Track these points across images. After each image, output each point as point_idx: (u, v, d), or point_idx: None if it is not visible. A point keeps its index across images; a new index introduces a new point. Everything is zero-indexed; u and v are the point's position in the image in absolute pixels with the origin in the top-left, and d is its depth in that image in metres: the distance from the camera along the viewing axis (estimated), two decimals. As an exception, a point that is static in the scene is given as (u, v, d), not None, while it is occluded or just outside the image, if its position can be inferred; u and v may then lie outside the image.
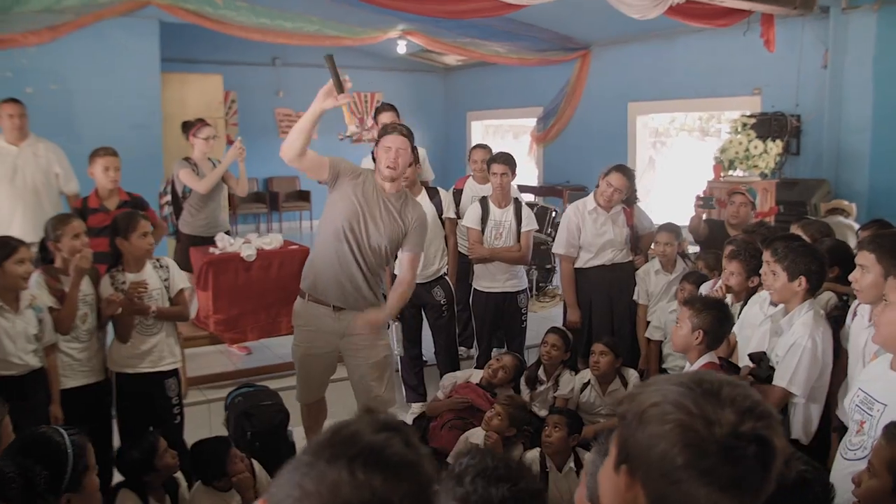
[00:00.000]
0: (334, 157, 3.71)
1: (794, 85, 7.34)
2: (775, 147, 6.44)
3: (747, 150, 6.39)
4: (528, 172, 10.86)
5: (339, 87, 3.35)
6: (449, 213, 5.24)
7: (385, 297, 4.01)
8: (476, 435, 3.91)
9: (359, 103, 11.95)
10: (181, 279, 4.05)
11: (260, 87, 11.53)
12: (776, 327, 3.25)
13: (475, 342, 5.41)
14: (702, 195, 5.16)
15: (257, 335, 5.19)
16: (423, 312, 5.15)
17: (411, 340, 5.17)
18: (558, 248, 5.07)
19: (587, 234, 4.94)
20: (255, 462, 3.69)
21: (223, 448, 3.47)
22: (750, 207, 5.05)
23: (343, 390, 5.05)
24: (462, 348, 5.51)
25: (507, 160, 5.09)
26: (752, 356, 3.14)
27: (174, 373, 4.02)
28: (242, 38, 7.18)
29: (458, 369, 5.06)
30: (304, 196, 11.96)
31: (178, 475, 3.48)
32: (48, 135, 5.71)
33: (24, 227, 4.91)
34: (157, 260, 4.01)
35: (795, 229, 4.17)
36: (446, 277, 5.16)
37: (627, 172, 4.89)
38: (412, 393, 5.23)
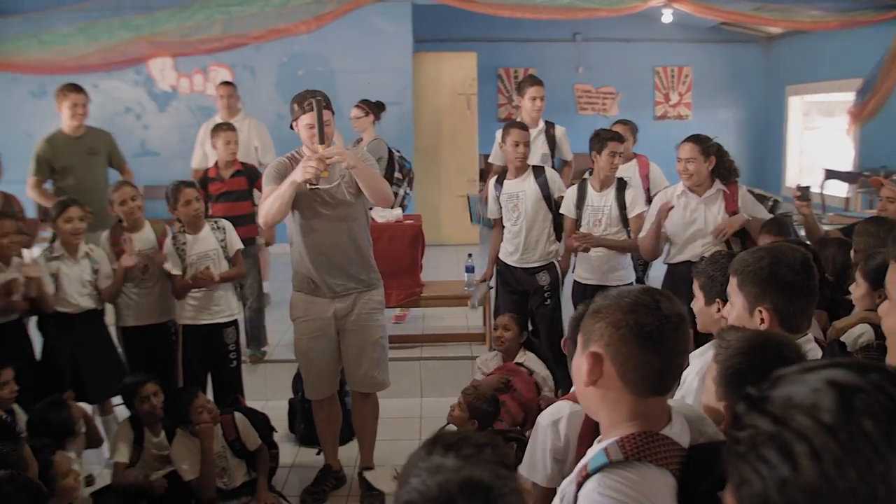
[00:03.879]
0: (268, 180, 3.69)
1: None
2: None
3: None
4: (842, 156, 9.19)
5: (321, 138, 3.40)
6: (558, 193, 4.79)
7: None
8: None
9: (508, 81, 11.23)
10: (237, 241, 4.43)
11: (559, 63, 11.45)
12: None
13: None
14: (801, 185, 3.97)
15: (366, 304, 5.36)
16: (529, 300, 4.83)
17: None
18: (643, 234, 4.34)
19: (673, 222, 4.16)
20: (237, 415, 3.93)
21: (187, 398, 3.76)
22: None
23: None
24: None
25: (614, 136, 4.49)
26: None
27: (233, 324, 4.44)
28: (490, 14, 7.34)
29: (563, 359, 4.67)
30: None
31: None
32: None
33: None
34: (216, 221, 4.44)
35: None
36: (556, 263, 4.76)
37: (702, 141, 4.00)
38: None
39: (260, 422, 4.08)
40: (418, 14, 8.60)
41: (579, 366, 1.49)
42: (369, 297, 3.85)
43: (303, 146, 3.71)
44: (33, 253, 4.54)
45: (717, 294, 2.35)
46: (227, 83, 6.35)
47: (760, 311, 2.07)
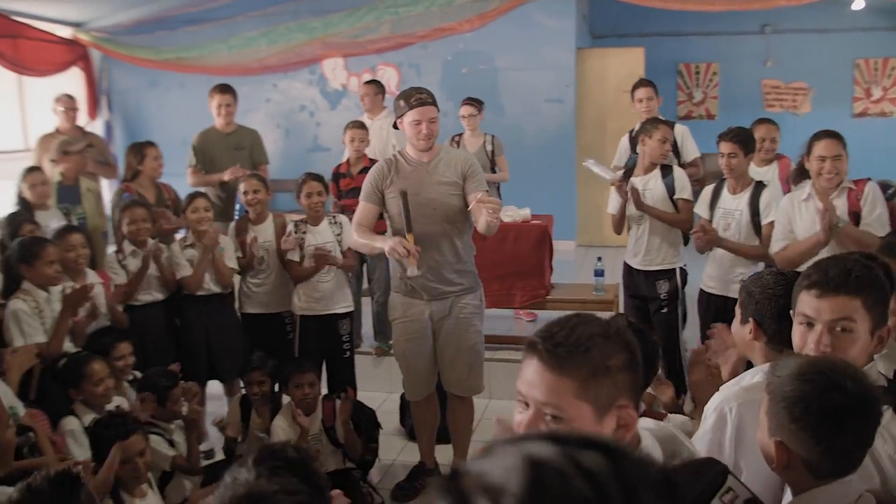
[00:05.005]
0: (365, 198, 3.77)
1: None
2: None
3: None
4: None
5: (409, 227, 3.44)
6: (683, 193, 4.50)
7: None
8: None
9: (689, 77, 10.21)
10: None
11: (745, 56, 10.70)
12: None
13: None
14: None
15: (489, 304, 5.29)
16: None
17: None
18: (774, 245, 3.93)
19: (797, 228, 3.76)
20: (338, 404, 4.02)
21: (165, 384, 3.67)
22: None
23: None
24: None
25: (737, 137, 4.15)
26: None
27: (347, 315, 4.58)
28: (660, 8, 7.08)
29: (681, 367, 4.42)
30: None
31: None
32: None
33: None
34: (334, 217, 4.59)
35: None
36: (679, 269, 4.51)
37: (840, 138, 3.59)
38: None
39: (365, 416, 4.17)
40: (595, 9, 8.42)
41: None
42: (466, 302, 3.80)
43: (407, 146, 3.74)
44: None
45: (752, 313, 2.08)
46: (370, 82, 6.54)
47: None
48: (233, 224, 4.69)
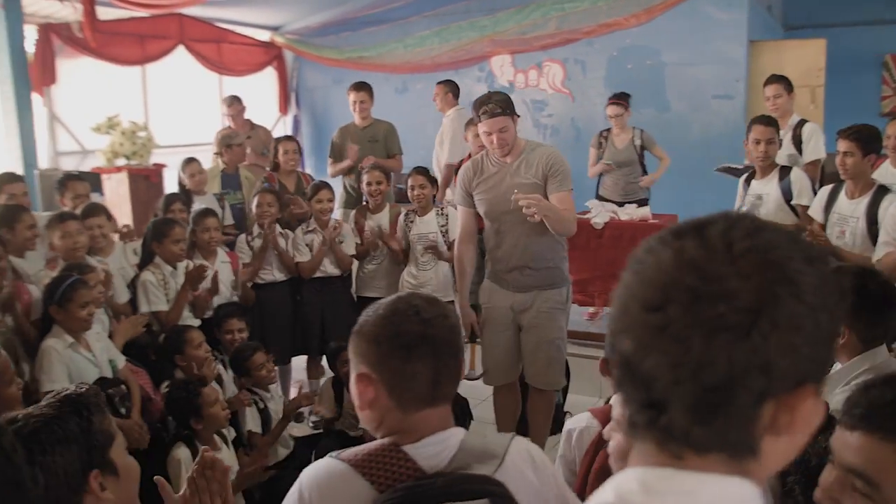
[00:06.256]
0: (460, 202, 3.98)
1: None
2: None
3: None
4: None
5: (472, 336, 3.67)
6: (801, 198, 4.22)
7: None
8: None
9: None
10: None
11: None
12: None
13: None
14: None
15: (603, 302, 5.26)
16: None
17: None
18: (879, 250, 3.59)
19: None
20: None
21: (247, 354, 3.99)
22: None
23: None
24: None
25: (855, 135, 3.83)
26: None
27: (450, 304, 4.79)
28: None
29: None
30: None
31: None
32: (638, 105, 6.74)
33: None
34: (442, 208, 4.81)
35: None
36: None
37: None
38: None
39: (458, 406, 4.35)
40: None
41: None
42: (549, 296, 3.84)
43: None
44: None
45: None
46: (442, 82, 6.79)
47: None
48: (353, 212, 5.05)
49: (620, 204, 5.71)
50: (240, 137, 5.99)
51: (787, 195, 4.20)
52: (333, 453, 1.43)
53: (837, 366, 2.33)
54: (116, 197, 5.93)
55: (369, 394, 1.41)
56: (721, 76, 7.98)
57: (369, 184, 4.85)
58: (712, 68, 8.01)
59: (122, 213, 5.74)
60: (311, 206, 4.81)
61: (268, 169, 5.60)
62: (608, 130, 6.41)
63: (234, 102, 6.78)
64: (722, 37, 7.96)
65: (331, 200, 4.81)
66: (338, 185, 5.80)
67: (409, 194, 4.69)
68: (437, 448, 1.40)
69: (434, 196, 4.85)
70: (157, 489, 1.49)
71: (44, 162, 6.90)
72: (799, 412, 0.75)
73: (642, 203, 6.07)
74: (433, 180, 4.83)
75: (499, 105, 3.59)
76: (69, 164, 7.28)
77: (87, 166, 6.90)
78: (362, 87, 5.90)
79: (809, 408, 0.76)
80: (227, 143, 5.83)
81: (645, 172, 6.27)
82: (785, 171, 4.25)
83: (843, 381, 2.17)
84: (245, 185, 5.82)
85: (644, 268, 0.78)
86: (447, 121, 6.27)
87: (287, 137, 5.46)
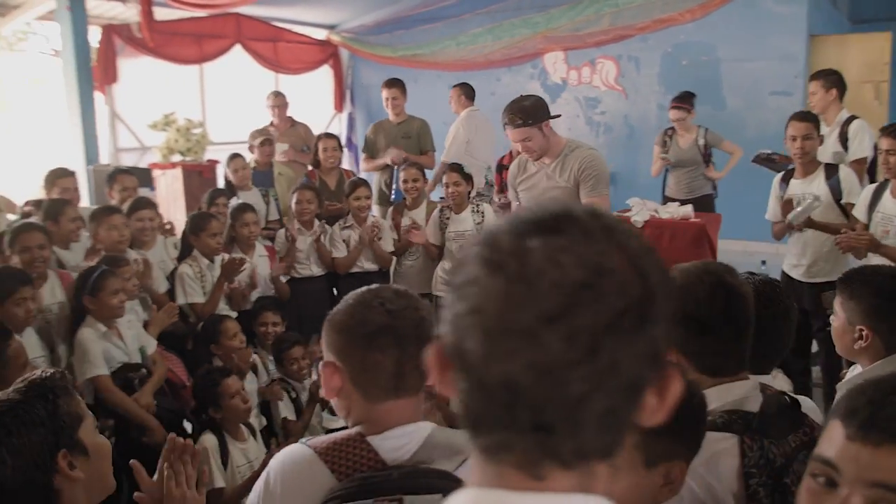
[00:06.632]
0: (513, 201, 4.12)
1: None
2: None
3: None
4: None
5: None
6: (851, 197, 4.08)
7: None
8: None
9: None
10: (495, 225, 4.79)
11: None
12: None
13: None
14: None
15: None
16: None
17: (797, 350, 4.34)
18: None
19: None
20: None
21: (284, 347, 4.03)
22: None
23: None
24: None
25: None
26: None
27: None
28: None
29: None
30: None
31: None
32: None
33: None
34: (477, 205, 4.83)
35: None
36: None
37: None
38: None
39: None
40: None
41: None
42: None
43: None
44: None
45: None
46: (458, 84, 6.66)
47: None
48: (390, 209, 5.11)
49: (686, 202, 5.59)
50: (265, 135, 6.14)
51: (837, 194, 4.06)
52: (304, 439, 1.47)
53: (857, 368, 2.27)
54: (171, 192, 6.12)
55: (335, 382, 1.43)
56: (779, 72, 7.77)
57: (405, 181, 4.90)
58: (770, 64, 7.81)
59: (177, 208, 5.94)
60: (349, 203, 4.88)
61: (309, 166, 5.70)
62: (672, 129, 6.27)
63: (277, 96, 6.90)
64: (780, 31, 7.75)
65: (368, 198, 4.88)
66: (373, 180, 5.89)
67: (444, 192, 4.73)
68: (401, 441, 1.42)
69: (469, 193, 4.87)
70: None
71: (105, 158, 7.18)
72: (670, 392, 0.73)
73: (708, 199, 5.97)
74: (468, 177, 4.85)
75: (519, 115, 3.58)
76: (129, 160, 7.56)
77: (145, 162, 7.16)
78: (394, 83, 5.95)
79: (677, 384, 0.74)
80: (253, 142, 5.99)
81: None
82: (832, 170, 4.11)
83: None
84: (279, 182, 5.93)
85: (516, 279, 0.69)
86: (456, 121, 6.29)
87: (327, 135, 5.54)
